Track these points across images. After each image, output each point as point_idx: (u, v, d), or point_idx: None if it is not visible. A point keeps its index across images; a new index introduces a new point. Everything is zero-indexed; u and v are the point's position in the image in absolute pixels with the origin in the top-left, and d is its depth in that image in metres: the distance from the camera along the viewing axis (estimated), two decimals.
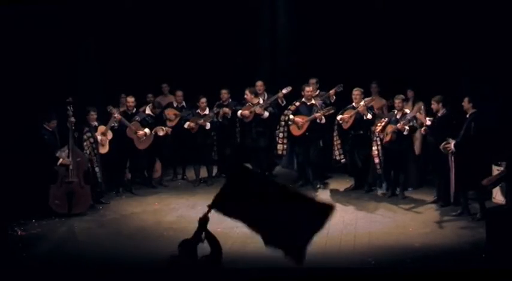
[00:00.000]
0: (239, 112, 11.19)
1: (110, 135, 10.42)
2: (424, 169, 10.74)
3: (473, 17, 10.63)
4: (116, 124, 10.59)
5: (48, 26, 10.44)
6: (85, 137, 10.11)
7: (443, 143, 9.25)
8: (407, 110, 10.26)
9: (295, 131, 10.88)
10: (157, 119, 11.20)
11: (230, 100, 11.48)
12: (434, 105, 9.70)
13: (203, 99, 11.21)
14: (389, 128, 10.12)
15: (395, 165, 10.23)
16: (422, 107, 10.30)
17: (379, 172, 10.37)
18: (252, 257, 7.57)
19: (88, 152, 10.06)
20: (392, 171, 10.33)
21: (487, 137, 9.15)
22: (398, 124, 9.99)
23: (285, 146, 11.00)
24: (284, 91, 11.17)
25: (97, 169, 10.14)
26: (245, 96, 11.14)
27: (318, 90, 11.30)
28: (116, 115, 10.53)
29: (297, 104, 10.96)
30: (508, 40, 10.35)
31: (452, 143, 9.16)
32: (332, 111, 10.70)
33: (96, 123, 10.36)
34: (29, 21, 10.11)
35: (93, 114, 10.28)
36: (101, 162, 10.22)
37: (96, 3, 11.48)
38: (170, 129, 11.22)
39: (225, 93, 11.44)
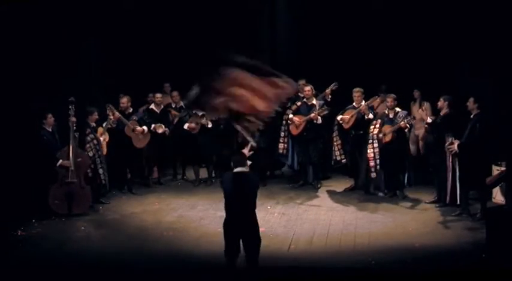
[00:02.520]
0: None
1: (106, 137, 10.35)
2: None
3: (475, 16, 10.62)
4: (113, 125, 10.54)
5: (49, 25, 10.43)
6: (88, 138, 10.04)
7: (447, 143, 9.23)
8: (398, 109, 10.23)
9: (294, 131, 10.99)
10: (162, 117, 11.18)
11: None
12: (440, 102, 9.66)
13: None
14: (387, 128, 10.11)
15: (394, 165, 10.22)
16: (428, 106, 10.33)
17: (372, 176, 10.29)
18: None
19: (92, 153, 9.99)
20: (392, 171, 10.32)
21: (489, 137, 9.14)
22: (402, 122, 9.98)
23: (286, 146, 11.08)
24: None
25: (101, 171, 10.08)
26: None
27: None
28: (112, 117, 10.47)
29: (298, 103, 11.04)
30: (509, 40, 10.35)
31: (455, 144, 9.15)
32: (326, 112, 10.75)
33: (94, 124, 10.26)
34: (30, 21, 10.10)
35: (94, 115, 10.23)
36: (106, 163, 10.17)
37: (97, 3, 11.48)
38: (167, 130, 11.21)
39: None
